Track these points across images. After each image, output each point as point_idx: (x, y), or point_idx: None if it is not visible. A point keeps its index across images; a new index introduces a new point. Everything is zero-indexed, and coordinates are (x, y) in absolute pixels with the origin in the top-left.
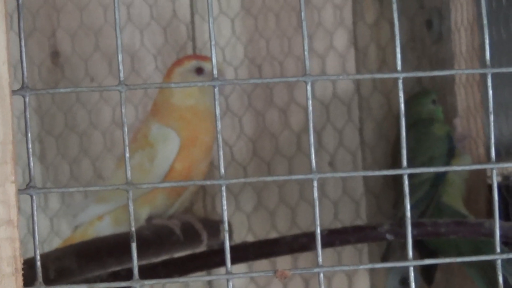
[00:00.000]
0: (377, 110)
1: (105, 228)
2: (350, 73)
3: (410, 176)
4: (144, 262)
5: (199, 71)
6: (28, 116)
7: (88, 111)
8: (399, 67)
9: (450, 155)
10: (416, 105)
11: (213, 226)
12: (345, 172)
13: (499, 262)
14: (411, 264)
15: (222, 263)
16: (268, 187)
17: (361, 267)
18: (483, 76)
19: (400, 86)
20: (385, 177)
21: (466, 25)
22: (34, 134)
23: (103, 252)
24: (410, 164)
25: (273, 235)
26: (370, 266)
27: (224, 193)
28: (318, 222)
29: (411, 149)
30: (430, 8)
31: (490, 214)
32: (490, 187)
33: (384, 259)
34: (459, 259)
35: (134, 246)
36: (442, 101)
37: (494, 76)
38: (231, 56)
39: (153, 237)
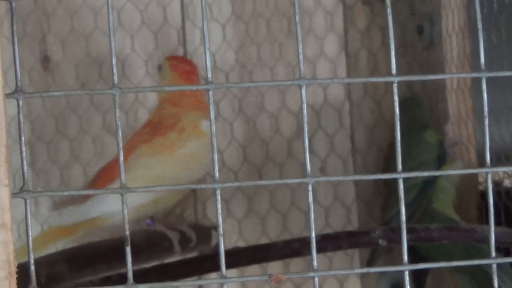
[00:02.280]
0: (368, 117)
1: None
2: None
3: None
4: (135, 267)
5: None
6: (21, 119)
7: (79, 116)
8: (393, 71)
9: (440, 162)
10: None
11: (204, 232)
12: (339, 176)
13: (494, 266)
14: (406, 268)
15: (214, 268)
16: (259, 193)
17: (355, 271)
18: (475, 82)
19: (395, 90)
20: (376, 183)
21: (457, 31)
22: (25, 140)
23: (94, 258)
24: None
25: (264, 241)
26: (365, 270)
27: (219, 197)
28: (312, 226)
29: (401, 155)
30: (421, 14)
31: (482, 221)
32: (481, 194)
33: (369, 264)
34: (453, 263)
35: (128, 250)
36: (433, 107)
37: (486, 81)
38: (222, 62)
39: (145, 243)
